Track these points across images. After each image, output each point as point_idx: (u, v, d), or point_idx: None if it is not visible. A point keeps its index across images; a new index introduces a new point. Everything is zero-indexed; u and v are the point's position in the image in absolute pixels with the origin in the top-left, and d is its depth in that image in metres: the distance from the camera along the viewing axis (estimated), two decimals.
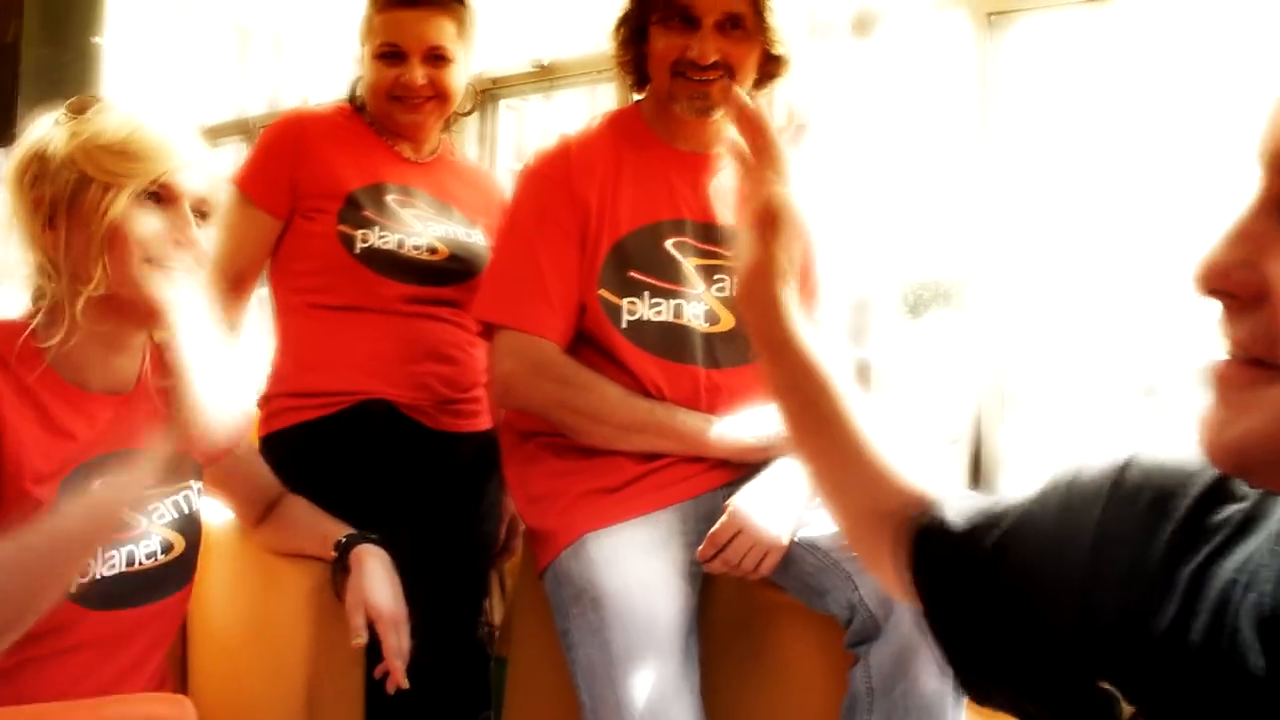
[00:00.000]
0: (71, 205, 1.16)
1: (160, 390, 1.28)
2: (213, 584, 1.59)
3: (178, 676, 1.60)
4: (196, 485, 1.36)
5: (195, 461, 1.36)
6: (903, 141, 2.29)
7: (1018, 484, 0.79)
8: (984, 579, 0.74)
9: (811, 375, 0.89)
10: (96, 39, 2.90)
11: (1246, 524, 0.60)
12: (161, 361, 1.30)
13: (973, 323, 2.08)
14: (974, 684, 0.79)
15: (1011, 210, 2.08)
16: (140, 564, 1.25)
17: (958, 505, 0.80)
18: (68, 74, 2.86)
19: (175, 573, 1.30)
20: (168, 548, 1.29)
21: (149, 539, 1.27)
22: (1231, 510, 0.62)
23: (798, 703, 1.46)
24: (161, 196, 1.18)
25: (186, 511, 1.33)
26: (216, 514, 1.55)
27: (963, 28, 2.15)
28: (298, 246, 1.75)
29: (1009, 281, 2.07)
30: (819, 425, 0.89)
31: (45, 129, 1.20)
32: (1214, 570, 0.59)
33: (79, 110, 1.20)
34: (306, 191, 1.74)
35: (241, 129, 3.57)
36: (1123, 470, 0.68)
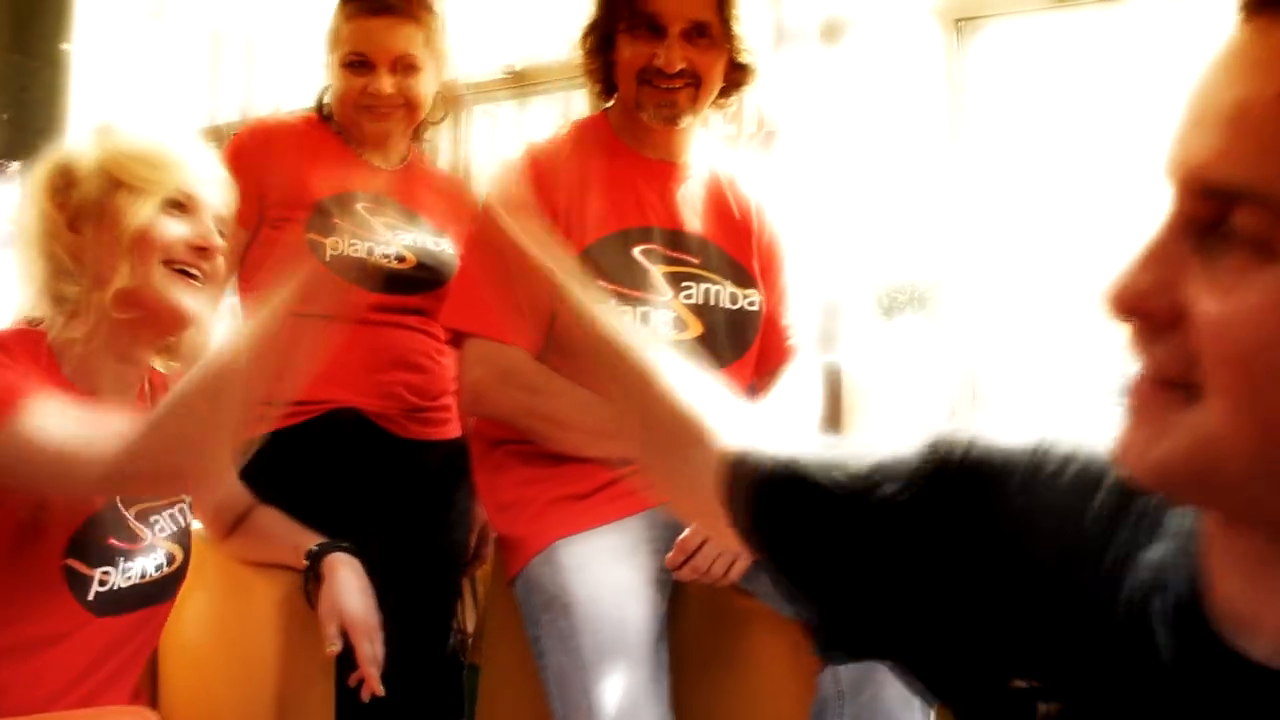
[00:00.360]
0: (99, 209, 1.21)
1: (144, 402, 1.33)
2: (182, 594, 1.58)
3: (149, 689, 1.59)
4: (188, 499, 1.39)
5: None
6: (873, 147, 2.30)
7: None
8: (868, 541, 0.71)
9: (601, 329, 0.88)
10: (65, 45, 2.88)
11: (1160, 515, 0.60)
12: (158, 373, 1.36)
13: (946, 325, 2.09)
14: (837, 640, 0.76)
15: (983, 213, 2.10)
16: (149, 576, 1.28)
17: (811, 455, 0.77)
18: (36, 80, 2.84)
19: (171, 584, 1.34)
20: (171, 560, 1.32)
21: (155, 552, 1.30)
22: (1147, 500, 0.61)
23: (767, 707, 1.47)
24: (186, 206, 1.24)
25: (183, 524, 1.36)
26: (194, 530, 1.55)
27: (931, 33, 2.17)
28: (266, 255, 1.75)
29: (982, 284, 2.09)
30: (615, 368, 0.87)
31: (72, 145, 1.25)
32: (1134, 561, 0.59)
33: (106, 130, 1.27)
34: (274, 200, 1.73)
35: (214, 136, 3.55)
36: (1041, 453, 0.66)
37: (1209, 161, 0.47)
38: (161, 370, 1.36)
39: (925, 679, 0.72)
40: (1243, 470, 0.48)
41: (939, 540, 0.68)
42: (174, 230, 1.22)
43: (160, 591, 1.31)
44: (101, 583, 1.22)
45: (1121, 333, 0.52)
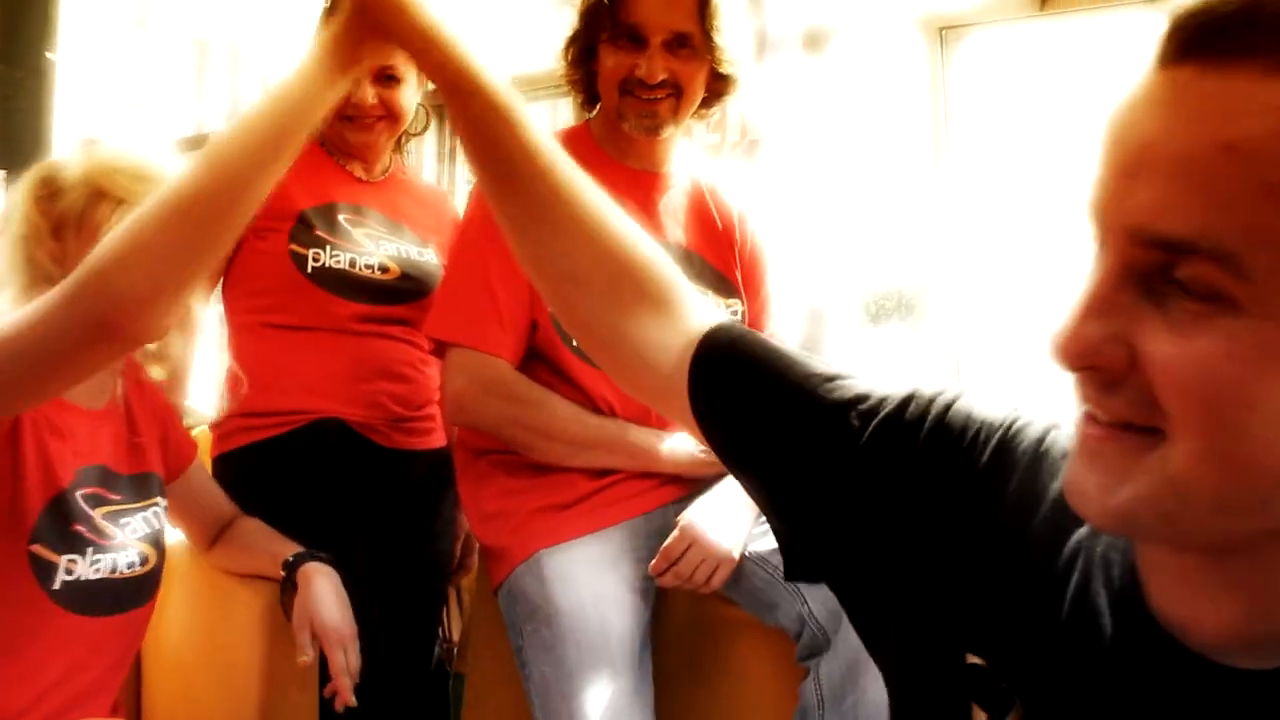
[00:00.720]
0: (83, 219, 1.23)
1: (117, 407, 1.34)
2: (166, 604, 1.58)
3: (132, 700, 1.59)
4: (163, 503, 1.39)
5: (160, 478, 1.40)
6: (857, 155, 2.31)
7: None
8: (826, 461, 0.70)
9: (501, 117, 0.78)
10: (50, 55, 2.87)
11: None
12: (136, 383, 1.37)
13: (932, 332, 2.10)
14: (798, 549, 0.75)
15: (968, 221, 2.11)
16: (121, 573, 1.28)
17: (792, 355, 0.75)
18: (20, 90, 2.83)
19: (146, 586, 1.34)
20: (144, 560, 1.32)
21: (126, 550, 1.30)
22: (1031, 486, 0.63)
23: (750, 715, 1.47)
24: None
25: (156, 527, 1.36)
26: (169, 535, 1.54)
27: (915, 42, 2.18)
28: (250, 266, 1.74)
29: (968, 291, 2.09)
30: (521, 185, 0.79)
31: (59, 156, 1.30)
32: (1084, 551, 0.60)
33: (93, 143, 1.30)
34: (258, 211, 1.73)
35: (200, 144, 3.54)
36: (1014, 432, 0.66)
37: (1155, 214, 0.47)
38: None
39: (873, 637, 0.71)
40: (1205, 508, 0.49)
41: (897, 489, 0.67)
42: None
43: (134, 593, 1.31)
44: (68, 571, 1.22)
45: (1069, 380, 0.53)
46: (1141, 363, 0.49)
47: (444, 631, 1.96)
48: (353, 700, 1.32)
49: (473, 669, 1.69)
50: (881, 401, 0.70)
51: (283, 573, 1.40)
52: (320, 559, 1.41)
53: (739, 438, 0.75)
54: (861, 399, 0.70)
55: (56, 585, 1.21)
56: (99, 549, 1.26)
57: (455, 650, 1.97)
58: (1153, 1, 1.89)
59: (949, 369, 2.10)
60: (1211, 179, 0.46)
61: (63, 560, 1.22)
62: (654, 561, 1.41)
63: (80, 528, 1.24)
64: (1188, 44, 0.47)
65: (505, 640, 1.47)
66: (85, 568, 1.24)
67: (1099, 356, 0.50)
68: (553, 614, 1.37)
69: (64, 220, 1.23)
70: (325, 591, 1.37)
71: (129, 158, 1.27)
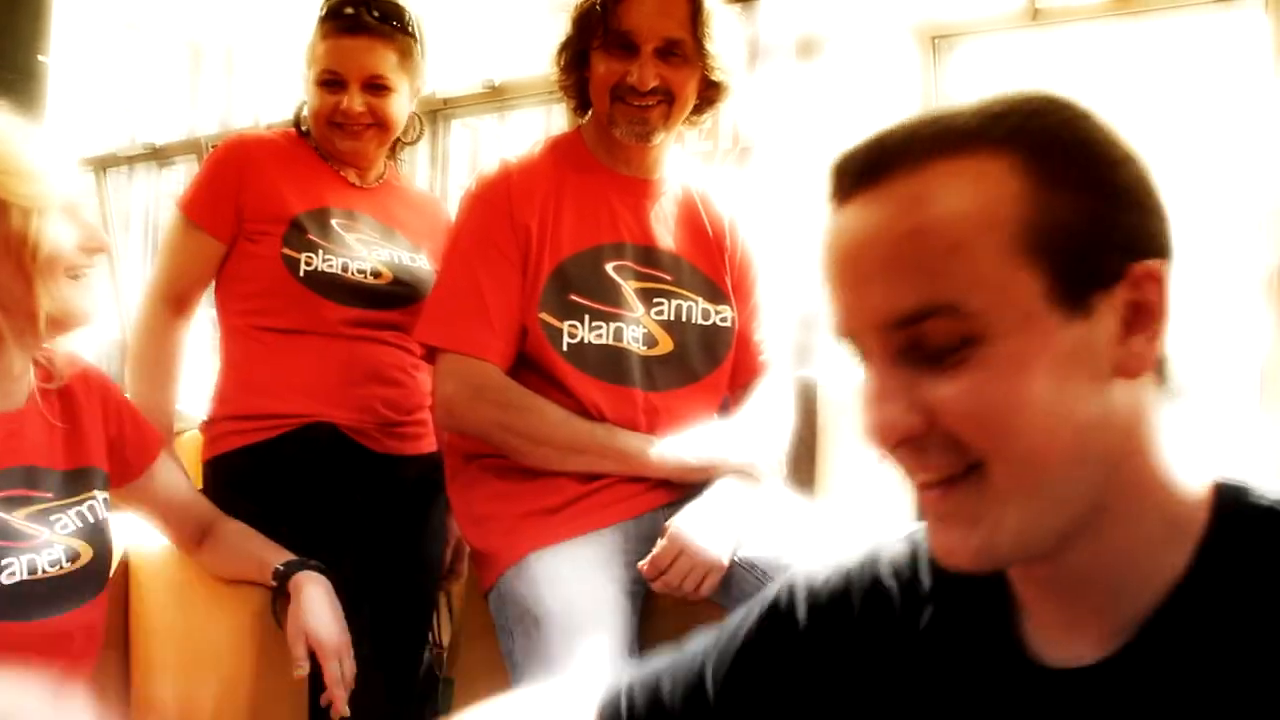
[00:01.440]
0: None
1: (48, 400, 1.29)
2: (154, 610, 1.57)
3: (120, 704, 1.58)
4: (102, 496, 1.33)
5: (103, 472, 1.35)
6: None
7: None
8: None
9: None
10: (42, 57, 2.88)
11: (973, 581, 0.68)
12: (48, 373, 1.30)
13: None
14: None
15: None
16: (44, 572, 1.22)
17: (669, 675, 0.86)
18: (12, 92, 2.83)
19: (84, 582, 1.27)
20: (74, 556, 1.26)
21: (51, 548, 1.24)
22: (909, 590, 0.73)
23: None
24: (68, 212, 1.19)
25: (92, 521, 1.30)
26: (158, 538, 1.54)
27: (908, 51, 2.19)
28: (242, 269, 1.75)
29: None
30: None
31: None
32: (961, 621, 0.69)
33: None
34: (251, 215, 1.73)
35: (193, 148, 3.55)
36: (869, 565, 0.76)
37: (889, 302, 0.59)
38: (47, 360, 1.31)
39: None
40: (1038, 513, 0.58)
41: (794, 683, 0.76)
42: (68, 239, 1.18)
43: (69, 592, 1.25)
44: None
45: (891, 465, 0.62)
46: (936, 416, 0.59)
47: (434, 636, 1.96)
48: (347, 711, 1.32)
49: (462, 673, 1.69)
50: (753, 645, 0.80)
51: (274, 582, 1.40)
52: (312, 567, 1.40)
53: None
54: (739, 663, 0.81)
55: None
56: (12, 552, 1.19)
57: (445, 655, 1.97)
58: (1141, 14, 1.91)
59: None
60: (912, 258, 0.58)
61: None
62: (644, 567, 1.42)
63: None
64: (855, 178, 0.61)
65: (495, 645, 1.47)
66: None
67: (902, 429, 0.60)
68: (542, 615, 1.37)
69: None
70: (319, 602, 1.36)
71: (19, 160, 1.16)
